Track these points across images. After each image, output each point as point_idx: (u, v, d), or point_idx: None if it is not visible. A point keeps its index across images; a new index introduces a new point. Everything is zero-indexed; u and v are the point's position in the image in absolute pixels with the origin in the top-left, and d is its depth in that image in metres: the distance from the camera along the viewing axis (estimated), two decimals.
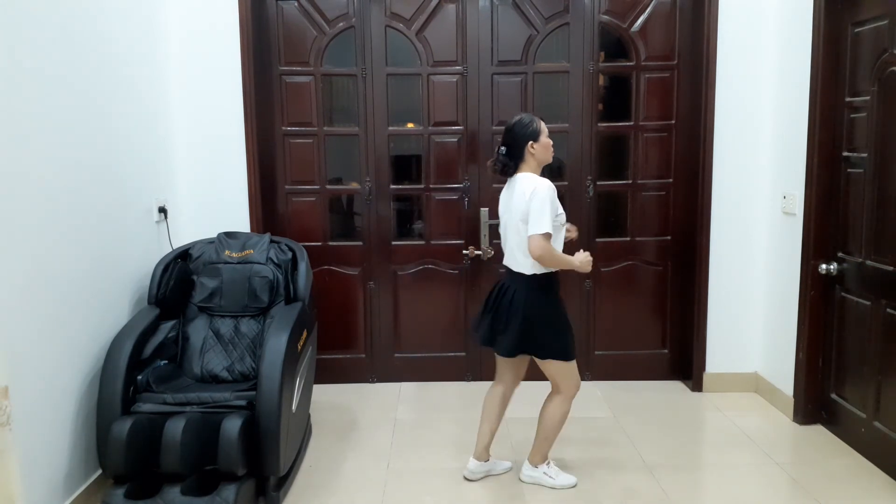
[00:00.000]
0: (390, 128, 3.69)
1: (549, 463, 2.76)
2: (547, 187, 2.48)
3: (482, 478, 2.79)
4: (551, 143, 2.63)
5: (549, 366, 2.60)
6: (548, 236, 2.45)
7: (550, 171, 3.75)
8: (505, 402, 2.81)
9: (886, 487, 2.68)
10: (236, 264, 2.96)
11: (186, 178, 3.45)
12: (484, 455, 2.79)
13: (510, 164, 2.60)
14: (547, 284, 2.57)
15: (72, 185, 2.50)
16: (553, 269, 2.57)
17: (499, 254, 3.73)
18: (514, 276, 2.59)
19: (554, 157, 3.75)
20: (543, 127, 2.59)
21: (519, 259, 2.56)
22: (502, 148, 2.61)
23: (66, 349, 2.44)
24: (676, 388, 3.76)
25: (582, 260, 2.58)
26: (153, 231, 3.16)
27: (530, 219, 2.45)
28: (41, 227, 2.31)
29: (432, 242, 3.78)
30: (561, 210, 2.55)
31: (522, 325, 2.52)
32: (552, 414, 2.68)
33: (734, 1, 3.41)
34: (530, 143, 2.56)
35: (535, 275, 2.54)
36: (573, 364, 2.62)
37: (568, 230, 2.70)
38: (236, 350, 2.86)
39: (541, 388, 3.59)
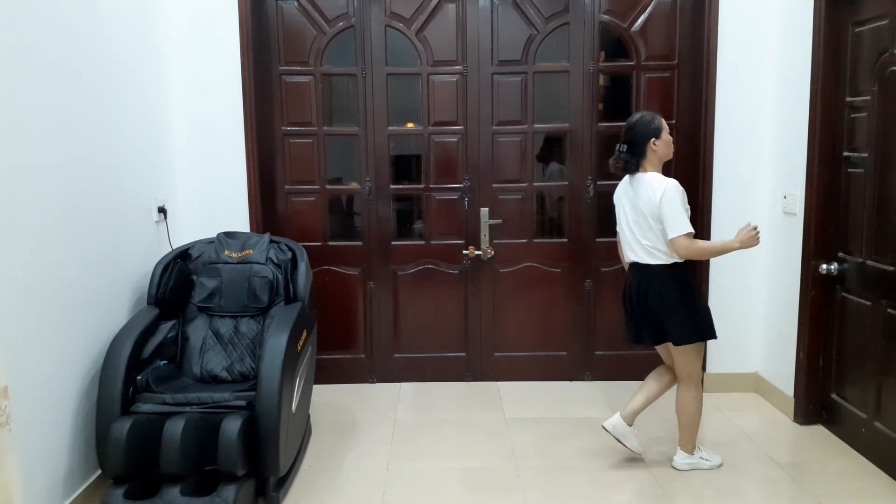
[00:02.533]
0: (390, 128, 3.68)
1: (699, 448, 2.86)
2: (676, 187, 2.55)
3: (614, 439, 2.85)
4: (671, 139, 2.68)
5: (684, 352, 2.68)
6: (691, 235, 2.52)
7: (550, 171, 3.79)
8: (666, 384, 2.86)
9: (887, 488, 2.68)
10: (236, 264, 2.96)
11: (186, 178, 3.45)
12: (630, 418, 2.84)
13: (632, 162, 2.66)
14: (678, 271, 2.62)
15: (71, 185, 2.50)
16: (681, 260, 2.62)
17: (504, 254, 3.76)
18: (649, 270, 2.66)
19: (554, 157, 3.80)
20: (664, 124, 2.66)
21: (650, 253, 2.62)
22: (623, 146, 2.66)
23: (65, 349, 2.44)
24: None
25: (743, 238, 2.56)
26: (153, 231, 3.16)
27: (668, 223, 2.53)
28: (40, 228, 2.30)
29: (432, 242, 3.78)
30: (688, 207, 2.62)
31: (683, 315, 2.61)
32: (689, 404, 2.77)
33: (735, 0, 3.41)
34: (652, 139, 2.62)
35: (665, 264, 2.61)
36: (702, 350, 2.73)
37: (753, 228, 2.65)
38: (236, 350, 2.86)
39: (546, 389, 3.58)
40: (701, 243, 2.61)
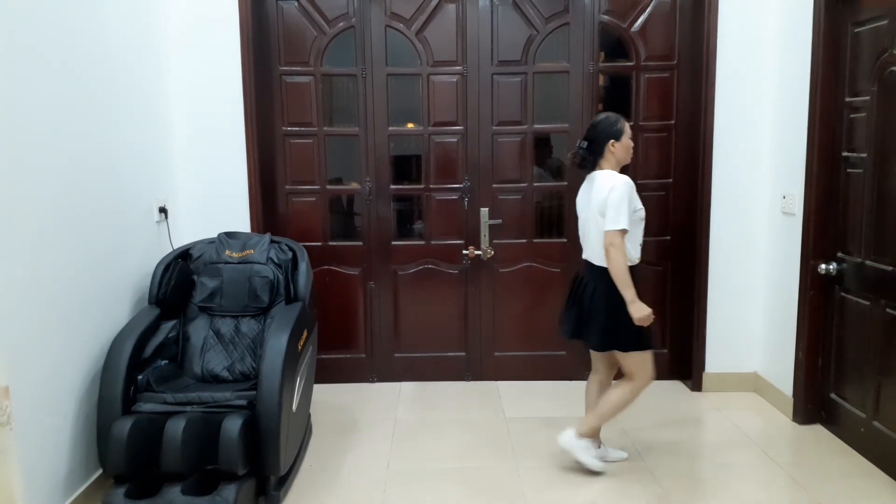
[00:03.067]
0: (390, 128, 3.69)
1: (592, 441, 2.81)
2: (625, 184, 2.56)
3: (572, 465, 2.83)
4: (632, 144, 2.71)
5: (628, 357, 2.67)
6: (623, 232, 2.53)
7: (551, 171, 3.80)
8: (605, 390, 2.85)
9: (886, 487, 2.68)
10: (237, 264, 2.97)
11: (187, 178, 3.45)
12: (594, 440, 2.85)
13: (589, 159, 2.70)
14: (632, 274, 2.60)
15: (72, 185, 2.50)
16: (635, 260, 2.64)
17: (504, 254, 3.77)
18: (596, 271, 2.66)
19: (554, 157, 3.81)
20: (627, 128, 2.69)
21: (600, 254, 2.62)
22: (584, 142, 2.70)
23: (66, 349, 2.45)
24: (676, 387, 3.77)
25: (636, 302, 2.54)
26: (153, 231, 3.16)
27: (608, 214, 2.55)
28: (41, 228, 2.31)
29: (432, 242, 3.78)
30: (640, 205, 2.63)
31: (608, 321, 2.61)
32: (616, 399, 2.73)
33: (734, 1, 3.41)
34: (612, 141, 2.65)
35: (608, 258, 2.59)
36: (650, 355, 2.70)
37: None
38: (237, 350, 2.87)
39: (545, 388, 3.60)
40: (620, 255, 2.52)
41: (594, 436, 2.83)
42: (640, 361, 2.68)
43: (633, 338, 2.62)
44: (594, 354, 2.84)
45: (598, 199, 2.61)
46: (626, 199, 2.53)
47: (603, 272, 2.61)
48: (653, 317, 2.58)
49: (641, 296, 3.74)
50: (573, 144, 3.67)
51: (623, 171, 3.70)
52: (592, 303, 2.66)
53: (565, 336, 2.81)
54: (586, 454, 2.78)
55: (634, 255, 2.66)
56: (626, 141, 2.68)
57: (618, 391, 2.74)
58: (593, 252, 2.68)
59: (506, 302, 3.80)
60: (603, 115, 2.72)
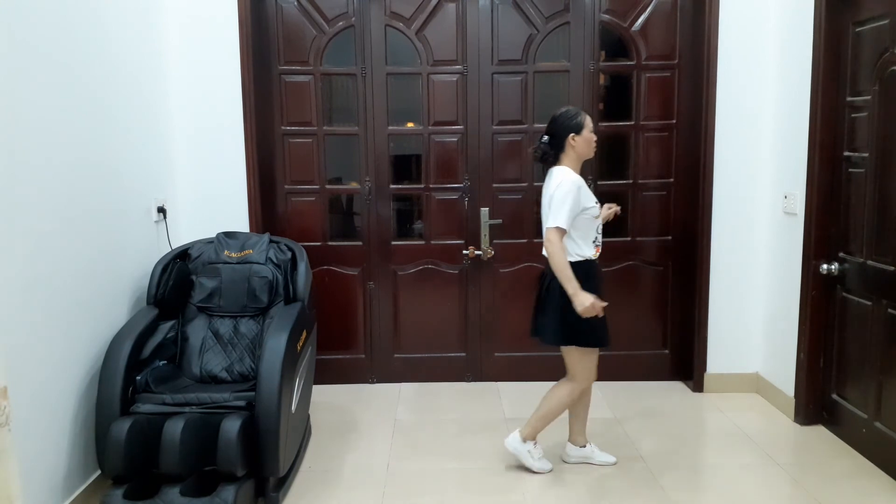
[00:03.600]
0: (390, 127, 3.68)
1: (535, 443, 2.82)
2: (571, 182, 2.55)
3: (578, 462, 2.87)
4: (594, 138, 2.68)
5: (571, 351, 2.67)
6: (559, 230, 2.52)
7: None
8: (586, 391, 2.84)
9: (887, 488, 2.67)
10: (235, 264, 2.96)
11: (185, 178, 3.44)
12: (579, 440, 2.87)
13: (550, 153, 2.68)
14: (581, 273, 2.57)
15: (71, 185, 2.49)
16: (589, 258, 2.63)
17: (504, 254, 3.77)
18: (548, 264, 2.64)
19: None
20: (588, 122, 2.65)
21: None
22: (545, 137, 2.68)
23: (65, 349, 2.44)
24: (677, 388, 3.76)
25: (579, 295, 2.50)
26: (152, 231, 3.15)
27: (550, 211, 2.55)
28: (40, 228, 2.30)
29: (432, 242, 3.77)
30: (591, 204, 2.60)
31: (560, 315, 2.59)
32: (556, 399, 2.74)
33: (735, 0, 3.40)
34: (572, 135, 2.63)
35: (570, 263, 2.57)
36: (595, 356, 2.69)
37: (610, 206, 2.77)
38: (235, 350, 2.86)
39: (546, 389, 3.60)
40: (562, 250, 2.52)
41: (533, 437, 2.82)
42: (583, 360, 2.67)
43: (585, 333, 2.60)
44: (564, 354, 2.79)
45: (547, 194, 2.62)
46: (568, 198, 2.51)
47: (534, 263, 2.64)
48: (599, 308, 2.52)
49: (643, 295, 3.79)
50: None
51: (625, 171, 3.71)
52: (548, 297, 2.64)
53: (532, 335, 2.78)
54: (531, 459, 2.79)
55: (588, 252, 2.63)
56: (587, 134, 2.64)
57: (557, 392, 2.75)
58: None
59: (506, 302, 3.79)
60: (563, 109, 2.69)
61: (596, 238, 2.67)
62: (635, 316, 3.81)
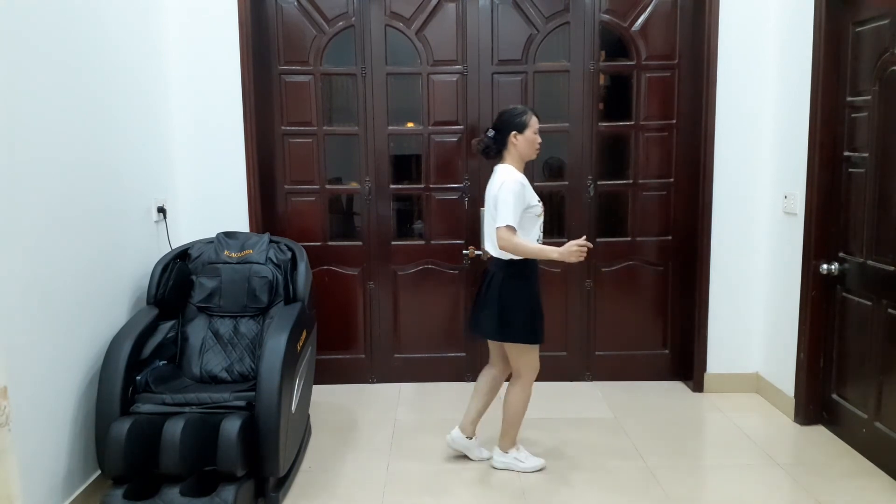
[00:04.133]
0: (390, 127, 3.68)
1: (518, 448, 2.84)
2: (515, 181, 2.57)
3: (457, 454, 2.92)
4: (538, 139, 2.68)
5: (512, 348, 2.69)
6: (510, 229, 2.53)
7: (551, 171, 3.79)
8: (495, 385, 2.89)
9: (887, 488, 2.67)
10: (235, 264, 2.96)
11: (186, 178, 3.44)
12: (468, 430, 2.89)
13: (492, 148, 2.71)
14: (522, 270, 2.63)
15: (71, 185, 2.49)
16: (527, 258, 2.64)
17: None
18: (494, 262, 2.69)
19: (554, 157, 3.80)
20: (534, 122, 2.65)
21: (494, 244, 2.65)
22: (490, 131, 2.71)
23: (64, 349, 2.44)
24: (677, 388, 3.76)
25: (562, 251, 2.53)
26: (152, 231, 3.15)
27: (497, 211, 2.56)
28: (40, 228, 2.30)
29: (432, 242, 3.77)
30: (535, 202, 2.62)
31: (498, 310, 2.62)
32: (513, 402, 2.76)
33: (735, 0, 3.40)
34: (514, 133, 2.64)
35: (511, 260, 2.62)
36: (536, 350, 2.71)
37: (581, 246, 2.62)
38: (235, 350, 2.86)
39: (546, 389, 3.59)
40: (518, 240, 2.53)
41: (513, 444, 2.84)
42: (525, 355, 2.69)
43: (524, 330, 2.63)
44: (491, 347, 2.84)
45: (492, 193, 2.64)
46: (512, 197, 2.53)
47: (499, 263, 2.65)
48: (577, 248, 2.50)
49: (643, 295, 3.79)
50: (573, 144, 3.69)
51: (626, 171, 3.71)
52: (488, 291, 2.66)
53: (469, 330, 2.81)
54: (520, 463, 2.82)
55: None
56: (530, 135, 2.64)
57: (512, 395, 2.76)
58: (489, 242, 2.72)
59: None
60: (512, 106, 2.72)
61: (539, 237, 2.69)
62: (635, 316, 3.81)
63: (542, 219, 2.69)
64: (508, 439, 2.82)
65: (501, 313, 2.61)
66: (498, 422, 2.86)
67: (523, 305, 2.62)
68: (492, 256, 2.71)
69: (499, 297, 2.62)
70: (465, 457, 2.95)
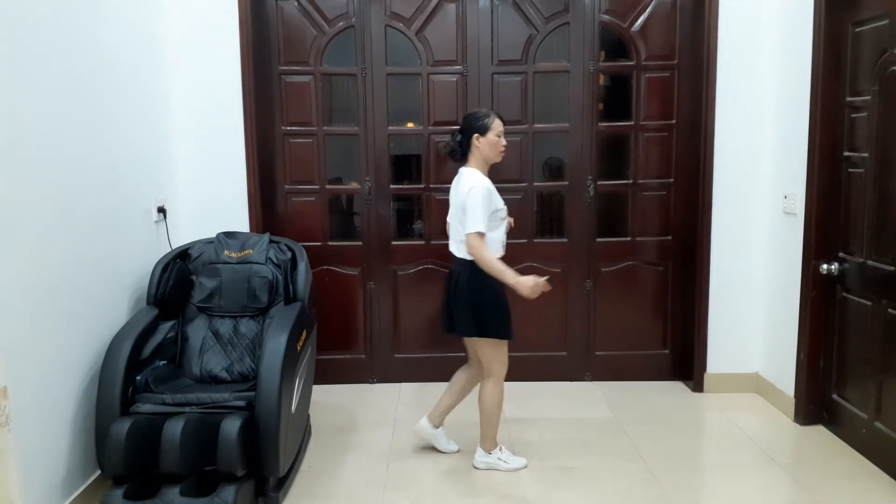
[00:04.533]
0: (390, 127, 3.68)
1: (500, 448, 2.85)
2: (482, 187, 2.59)
3: (424, 444, 3.00)
4: (502, 142, 2.70)
5: (483, 345, 2.71)
6: (480, 235, 2.57)
7: (551, 171, 3.79)
8: (470, 383, 2.92)
9: (887, 488, 2.67)
10: (235, 264, 2.96)
11: (186, 178, 3.44)
12: (437, 419, 2.95)
13: (457, 151, 2.75)
14: (478, 268, 2.63)
15: (71, 185, 2.49)
16: (498, 257, 2.67)
17: (504, 254, 3.73)
18: (458, 261, 2.72)
19: (554, 157, 3.80)
20: (497, 125, 2.68)
21: (460, 247, 2.69)
22: (457, 134, 2.74)
23: (64, 349, 2.44)
24: (677, 388, 3.76)
25: (521, 280, 2.55)
26: (152, 231, 3.15)
27: (466, 218, 2.59)
28: (40, 228, 2.30)
29: (432, 242, 3.77)
30: (501, 206, 2.68)
31: (471, 308, 2.65)
32: (487, 400, 2.77)
33: (735, 0, 3.40)
34: (476, 135, 2.67)
35: (467, 259, 2.66)
36: (505, 345, 2.75)
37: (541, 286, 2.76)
38: (235, 350, 2.86)
39: (546, 389, 3.59)
40: (487, 253, 2.57)
41: (495, 444, 2.85)
42: (495, 352, 2.73)
43: (493, 325, 2.66)
44: (468, 347, 2.86)
45: (459, 198, 2.67)
46: (481, 202, 2.56)
47: (464, 262, 2.68)
48: (542, 283, 2.55)
49: (643, 295, 3.79)
50: (573, 144, 3.69)
51: (625, 171, 3.71)
52: (457, 291, 2.69)
53: (443, 329, 2.84)
54: (504, 463, 2.83)
55: (496, 253, 2.68)
56: (493, 138, 2.66)
57: (485, 393, 2.77)
58: (455, 243, 2.75)
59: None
60: (476, 109, 2.77)
61: (503, 240, 2.74)
62: (635, 316, 3.81)
63: (506, 220, 2.75)
64: (489, 440, 2.83)
65: (475, 311, 2.65)
66: (470, 426, 2.87)
67: (493, 301, 2.65)
68: (455, 256, 2.75)
69: (469, 295, 2.65)
70: (465, 457, 2.95)
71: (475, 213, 2.56)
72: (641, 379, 3.84)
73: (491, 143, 2.66)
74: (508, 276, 2.56)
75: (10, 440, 1.99)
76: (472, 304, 2.65)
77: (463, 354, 3.81)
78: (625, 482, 2.75)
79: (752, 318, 3.61)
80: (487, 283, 2.64)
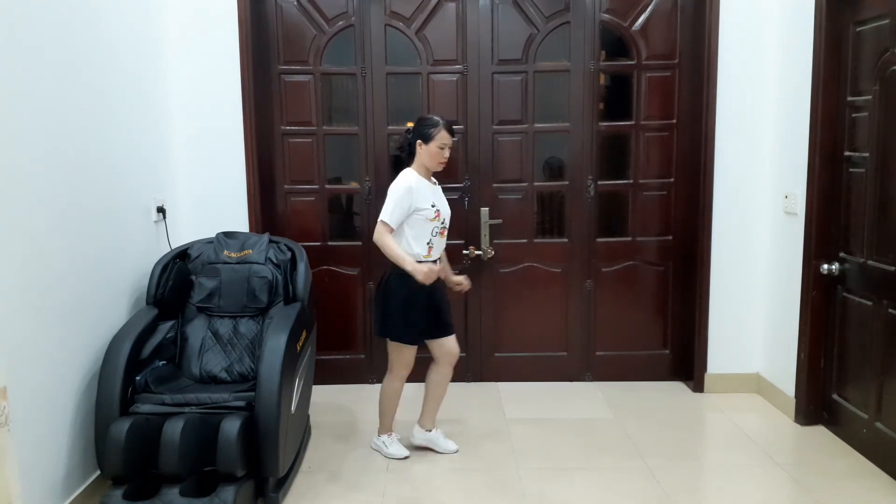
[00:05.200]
0: (390, 127, 3.67)
1: (389, 435, 3.00)
2: (402, 184, 2.73)
3: (422, 446, 3.03)
4: (443, 154, 2.79)
5: (390, 347, 2.86)
6: (384, 224, 2.71)
7: (551, 171, 3.79)
8: (441, 377, 3.00)
9: (888, 488, 2.67)
10: (235, 264, 2.95)
11: (185, 178, 3.44)
12: (427, 423, 3.04)
13: (405, 149, 2.86)
14: (400, 270, 2.73)
15: (70, 185, 2.49)
16: (419, 257, 2.77)
17: (504, 254, 3.76)
18: (389, 264, 2.82)
19: (554, 157, 3.80)
20: (442, 138, 2.75)
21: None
22: (409, 132, 2.84)
23: (64, 349, 2.43)
24: (678, 388, 3.75)
25: (416, 267, 2.68)
26: (152, 231, 3.15)
27: (383, 208, 2.73)
28: (39, 227, 2.29)
29: None
30: (425, 206, 2.75)
31: (379, 307, 2.82)
32: (383, 391, 2.97)
33: (735, 0, 3.40)
34: (419, 141, 2.77)
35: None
36: (407, 348, 2.84)
37: (459, 282, 3.02)
38: (235, 351, 2.85)
39: (546, 389, 3.58)
40: (388, 238, 2.71)
41: (387, 429, 3.00)
42: (399, 351, 2.84)
43: (394, 328, 2.78)
44: (428, 345, 2.94)
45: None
46: (395, 198, 2.70)
47: (390, 264, 2.78)
48: (428, 270, 2.67)
49: (643, 295, 3.78)
50: (574, 144, 3.69)
51: (626, 171, 3.70)
52: (377, 292, 2.89)
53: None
54: (385, 447, 2.98)
55: (418, 251, 2.78)
56: (433, 148, 2.76)
57: (383, 388, 2.96)
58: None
59: (506, 302, 3.79)
60: (430, 115, 2.84)
61: (430, 241, 2.80)
62: (636, 316, 3.81)
63: (436, 223, 2.80)
64: (382, 427, 3.01)
65: (383, 310, 2.79)
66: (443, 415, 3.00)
67: (399, 303, 2.75)
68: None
69: (383, 293, 2.80)
70: (464, 457, 2.94)
71: (387, 205, 2.72)
72: (642, 379, 3.84)
73: (431, 152, 2.76)
74: (407, 262, 2.68)
75: (9, 440, 1.98)
76: (384, 301, 2.79)
77: (463, 355, 3.81)
78: (625, 482, 2.74)
79: (753, 318, 3.60)
80: (401, 284, 2.74)
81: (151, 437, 2.32)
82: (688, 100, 3.62)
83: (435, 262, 2.82)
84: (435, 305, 2.84)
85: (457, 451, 3.01)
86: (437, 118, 2.79)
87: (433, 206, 2.77)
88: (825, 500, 2.59)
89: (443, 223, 2.84)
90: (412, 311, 2.77)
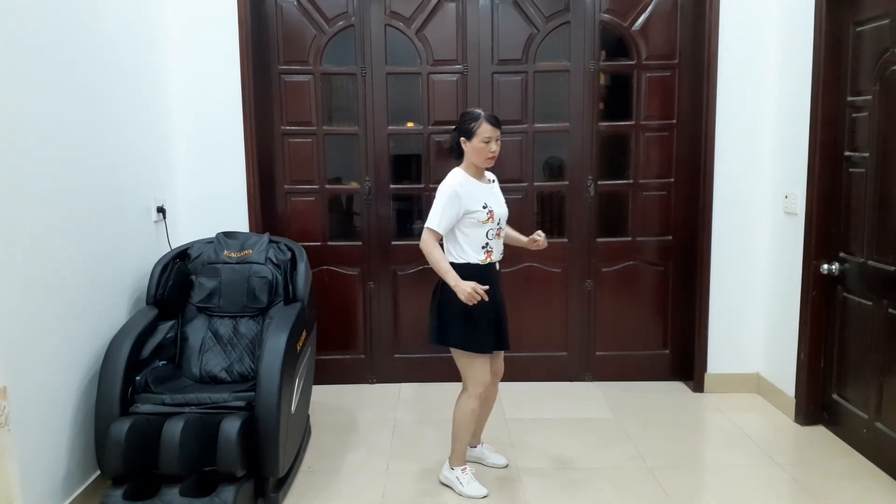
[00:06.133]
0: (390, 127, 3.67)
1: (464, 469, 2.71)
2: (449, 186, 2.52)
3: (471, 461, 2.83)
4: (489, 149, 2.53)
5: (455, 355, 2.62)
6: (431, 231, 2.50)
7: (551, 171, 3.79)
8: (488, 401, 2.80)
9: (888, 488, 2.67)
10: (235, 264, 2.95)
11: (185, 178, 3.44)
12: (473, 440, 2.86)
13: (455, 148, 2.62)
14: (467, 274, 2.50)
15: (70, 185, 2.49)
16: (474, 262, 2.56)
17: (504, 254, 3.72)
18: None
19: (554, 157, 3.79)
20: (482, 131, 2.51)
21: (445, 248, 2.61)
22: (455, 132, 2.63)
23: (64, 349, 2.43)
24: (678, 388, 3.75)
25: (461, 285, 2.43)
26: (152, 231, 3.15)
27: (430, 213, 2.53)
28: (39, 227, 2.29)
29: None
30: (476, 208, 2.52)
31: (438, 313, 2.58)
32: (456, 413, 2.68)
33: (735, 0, 3.40)
34: (462, 138, 2.56)
35: (452, 264, 2.53)
36: (479, 358, 2.59)
37: (535, 239, 2.70)
38: (235, 351, 2.85)
39: (546, 389, 3.58)
40: (434, 247, 2.50)
41: (460, 461, 2.72)
42: (466, 363, 2.61)
43: (455, 334, 2.56)
44: (454, 359, 2.71)
45: None
46: (442, 203, 2.49)
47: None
48: (481, 291, 2.43)
49: (643, 295, 3.78)
50: (574, 144, 3.69)
51: (626, 171, 3.69)
52: (434, 297, 2.64)
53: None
54: (460, 485, 2.67)
55: (474, 257, 2.55)
56: (477, 143, 2.51)
57: (455, 407, 2.68)
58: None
59: (506, 302, 3.76)
60: (471, 109, 2.62)
61: (487, 244, 2.57)
62: (636, 316, 3.81)
63: (491, 225, 2.56)
64: (454, 455, 2.72)
65: (440, 316, 2.57)
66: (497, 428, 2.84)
67: (458, 310, 2.51)
68: None
69: (439, 301, 2.58)
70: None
71: (433, 211, 2.51)
72: (642, 379, 3.84)
73: (476, 148, 2.52)
74: (451, 277, 2.47)
75: (9, 440, 1.99)
76: (441, 309, 2.57)
77: None
78: (625, 482, 2.74)
79: (753, 318, 3.60)
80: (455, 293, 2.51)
81: (151, 437, 2.32)
82: (688, 100, 3.62)
83: (494, 265, 2.62)
84: (496, 316, 2.63)
85: (506, 466, 2.87)
86: (477, 111, 2.56)
87: (485, 207, 2.53)
88: (825, 500, 2.59)
89: (498, 224, 2.59)
90: (476, 314, 2.51)
